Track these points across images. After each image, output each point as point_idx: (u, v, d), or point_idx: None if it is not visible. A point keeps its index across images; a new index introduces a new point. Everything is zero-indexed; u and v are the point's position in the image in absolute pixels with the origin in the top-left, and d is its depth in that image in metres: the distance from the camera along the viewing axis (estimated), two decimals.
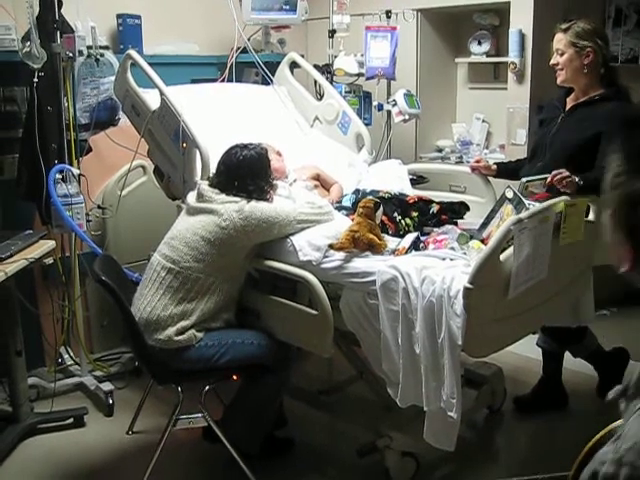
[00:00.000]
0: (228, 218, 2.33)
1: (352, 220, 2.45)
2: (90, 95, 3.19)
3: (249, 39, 3.64)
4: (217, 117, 3.10)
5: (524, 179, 2.47)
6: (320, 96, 3.61)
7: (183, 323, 2.32)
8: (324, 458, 2.74)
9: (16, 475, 2.64)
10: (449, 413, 2.12)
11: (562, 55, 2.64)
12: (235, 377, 2.54)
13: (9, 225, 3.04)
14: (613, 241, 0.94)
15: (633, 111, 1.75)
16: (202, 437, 2.61)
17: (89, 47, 3.09)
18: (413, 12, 4.14)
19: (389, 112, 3.75)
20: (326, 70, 3.86)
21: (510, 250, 2.10)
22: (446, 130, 4.55)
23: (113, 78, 3.08)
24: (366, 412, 2.87)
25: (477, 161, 2.96)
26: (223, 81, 3.54)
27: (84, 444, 2.83)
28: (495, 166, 2.92)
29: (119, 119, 3.32)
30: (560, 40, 2.64)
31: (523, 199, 2.34)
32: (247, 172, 2.45)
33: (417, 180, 3.42)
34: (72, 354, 3.35)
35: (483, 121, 4.45)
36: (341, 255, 2.31)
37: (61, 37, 2.95)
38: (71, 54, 2.97)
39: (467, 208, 2.72)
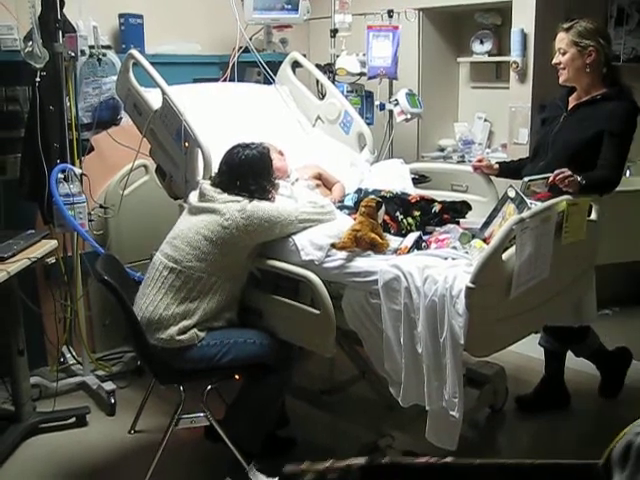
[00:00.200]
0: (230, 217, 2.34)
1: (354, 219, 2.45)
2: (92, 95, 3.19)
3: (251, 39, 3.64)
4: (219, 117, 3.10)
5: (526, 178, 2.47)
6: (322, 95, 3.61)
7: (185, 322, 2.33)
8: (326, 458, 2.73)
9: (18, 474, 2.64)
10: (451, 412, 2.12)
11: (564, 54, 2.64)
12: (237, 376, 2.54)
13: (11, 225, 3.04)
14: None
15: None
16: (204, 436, 2.61)
17: (91, 47, 3.09)
18: (415, 11, 4.14)
19: (391, 111, 3.75)
20: (328, 69, 3.86)
21: (512, 249, 2.10)
22: (448, 129, 4.55)
23: (115, 78, 3.09)
24: (368, 412, 2.87)
25: (479, 160, 2.96)
26: (225, 81, 3.54)
27: (86, 443, 2.83)
28: (497, 165, 2.91)
29: (121, 118, 3.32)
30: (562, 39, 2.64)
31: (525, 198, 2.34)
32: (249, 171, 2.45)
33: (419, 179, 3.42)
34: (74, 353, 3.36)
35: (485, 120, 4.44)
36: (343, 254, 2.31)
37: (63, 37, 2.96)
38: (73, 54, 2.98)
39: (469, 207, 2.72)
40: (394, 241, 2.42)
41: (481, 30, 4.29)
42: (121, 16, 3.65)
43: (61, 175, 2.97)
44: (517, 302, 2.13)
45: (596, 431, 2.84)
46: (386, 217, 2.53)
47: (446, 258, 2.25)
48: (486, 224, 2.45)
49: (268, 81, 3.56)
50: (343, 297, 2.32)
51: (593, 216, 2.47)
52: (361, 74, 3.86)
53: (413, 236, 2.41)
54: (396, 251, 2.34)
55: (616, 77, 2.68)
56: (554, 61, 2.68)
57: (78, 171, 3.04)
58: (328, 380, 3.19)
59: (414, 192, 2.89)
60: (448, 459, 0.91)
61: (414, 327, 2.16)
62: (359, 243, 2.31)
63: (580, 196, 2.37)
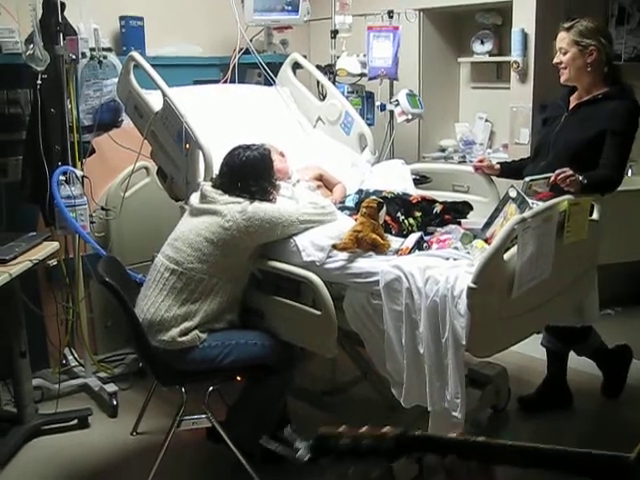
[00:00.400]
0: (231, 219, 2.34)
1: (355, 220, 2.45)
2: (93, 97, 3.20)
3: (251, 40, 3.64)
4: (220, 118, 3.10)
5: (527, 178, 2.47)
6: (323, 96, 3.61)
7: (187, 324, 2.33)
8: None
9: (21, 476, 2.64)
10: (453, 413, 2.12)
11: (565, 54, 2.63)
12: (239, 378, 2.54)
13: (13, 227, 3.04)
14: None
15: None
16: (206, 438, 2.61)
17: (92, 49, 3.10)
18: (415, 12, 4.14)
19: (392, 112, 3.75)
20: (328, 70, 3.86)
21: (514, 249, 2.10)
22: (449, 130, 4.55)
23: (116, 80, 3.09)
24: (370, 412, 2.87)
25: (480, 161, 2.96)
26: (226, 82, 3.55)
27: (88, 445, 2.83)
28: (498, 165, 2.91)
29: (122, 121, 3.32)
30: (563, 39, 2.64)
31: (527, 198, 2.34)
32: (250, 173, 2.45)
33: (420, 180, 3.42)
34: (76, 355, 3.36)
35: (486, 120, 4.44)
36: (344, 255, 2.31)
37: (64, 39, 2.96)
38: (74, 56, 2.98)
39: (470, 208, 2.72)
40: (395, 242, 2.42)
41: (482, 30, 4.29)
42: (122, 18, 3.65)
43: (62, 177, 2.97)
44: (519, 302, 2.13)
45: (598, 431, 2.84)
46: (387, 218, 2.53)
47: (447, 258, 2.25)
48: (487, 224, 2.45)
49: (269, 82, 3.56)
50: (344, 298, 2.32)
51: (595, 216, 2.47)
52: (362, 75, 3.86)
53: (414, 237, 2.41)
54: (397, 252, 2.34)
55: (617, 76, 2.68)
56: (555, 61, 2.68)
57: (79, 173, 3.05)
58: (330, 381, 3.18)
59: (415, 193, 2.88)
60: (480, 438, 0.92)
61: (416, 328, 2.16)
62: (360, 244, 2.31)
63: (582, 196, 2.37)
